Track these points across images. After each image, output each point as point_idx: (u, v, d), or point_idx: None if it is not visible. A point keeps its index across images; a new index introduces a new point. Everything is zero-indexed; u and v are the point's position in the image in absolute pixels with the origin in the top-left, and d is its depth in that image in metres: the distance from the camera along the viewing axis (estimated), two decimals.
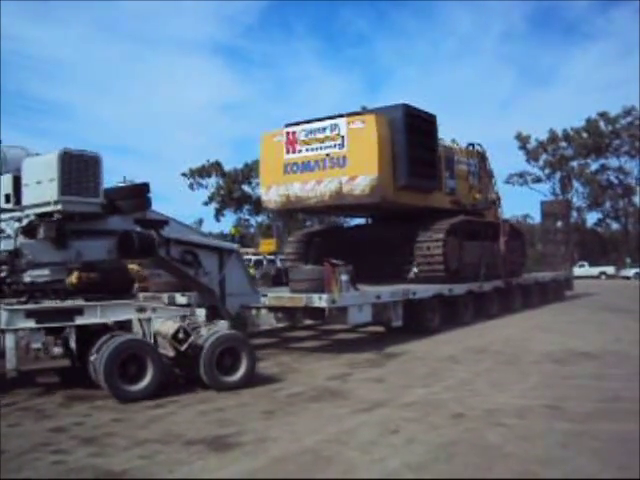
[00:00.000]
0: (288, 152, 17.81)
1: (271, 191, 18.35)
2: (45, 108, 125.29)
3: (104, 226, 10.94)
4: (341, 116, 17.17)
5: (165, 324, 10.02)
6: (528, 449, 6.58)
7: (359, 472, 6.04)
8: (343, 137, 16.74)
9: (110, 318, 10.03)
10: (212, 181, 75.57)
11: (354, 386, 10.15)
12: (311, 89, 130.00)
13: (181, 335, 9.70)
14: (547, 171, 71.92)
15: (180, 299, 14.43)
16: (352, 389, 9.90)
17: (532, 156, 71.49)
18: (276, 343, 15.65)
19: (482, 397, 9.11)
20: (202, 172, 75.37)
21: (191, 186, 76.04)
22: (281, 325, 15.90)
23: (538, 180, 72.02)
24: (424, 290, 16.88)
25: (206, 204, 76.59)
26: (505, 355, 12.90)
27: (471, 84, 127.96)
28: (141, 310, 10.19)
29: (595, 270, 58.69)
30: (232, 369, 10.04)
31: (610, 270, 59.32)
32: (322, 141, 17.11)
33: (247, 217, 75.00)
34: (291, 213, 21.41)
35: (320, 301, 13.33)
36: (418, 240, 18.41)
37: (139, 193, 11.50)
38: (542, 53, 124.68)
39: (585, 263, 58.89)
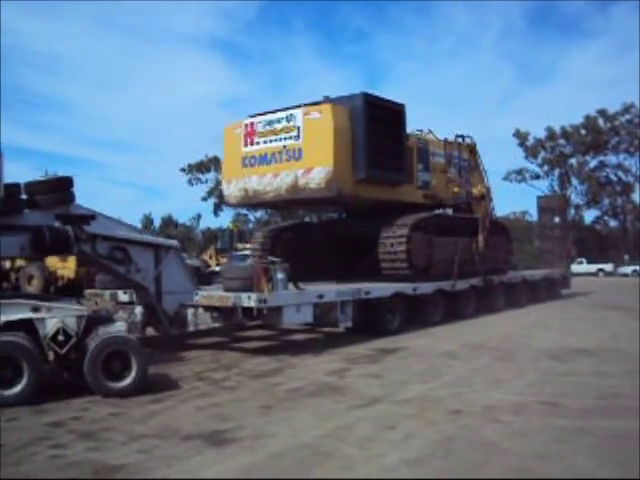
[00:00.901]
0: (246, 145, 17.10)
1: (231, 185, 17.67)
2: (44, 103, 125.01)
3: (20, 221, 10.54)
4: (299, 106, 16.39)
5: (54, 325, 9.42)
6: (525, 445, 6.60)
7: (357, 467, 6.05)
8: (299, 128, 15.98)
9: (2, 318, 9.28)
10: (211, 176, 75.43)
11: (352, 382, 10.16)
12: (310, 85, 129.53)
13: (61, 337, 9.24)
14: (546, 168, 71.90)
15: (122, 296, 14.23)
16: (350, 385, 9.91)
17: (531, 153, 71.44)
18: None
19: (480, 393, 9.13)
20: (201, 167, 75.21)
21: (190, 181, 75.95)
22: (217, 325, 14.75)
23: (537, 177, 72.03)
24: (381, 289, 16.04)
25: (205, 199, 76.51)
26: (503, 351, 12.92)
27: (470, 81, 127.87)
28: (35, 310, 9.49)
29: (593, 267, 58.71)
30: (122, 374, 9.39)
31: (608, 267, 59.34)
32: (279, 133, 16.37)
33: (245, 212, 74.81)
34: (255, 208, 20.36)
35: (249, 301, 12.72)
36: (381, 236, 17.50)
37: (61, 187, 11.11)
38: (541, 50, 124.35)
39: (583, 260, 58.87)
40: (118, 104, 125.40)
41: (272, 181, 16.41)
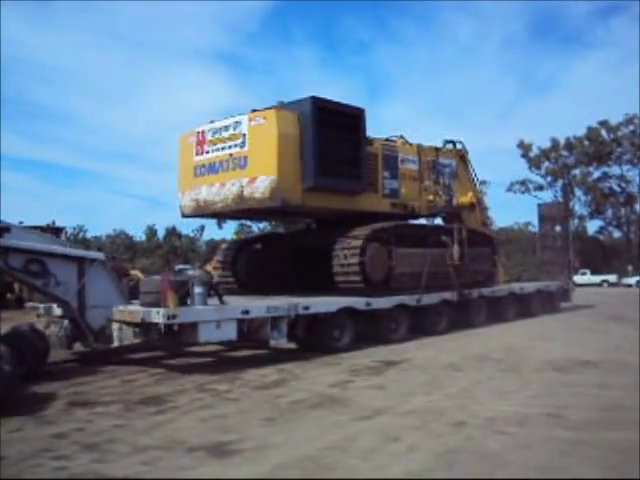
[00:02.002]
0: (197, 153, 16.47)
1: (185, 195, 16.94)
2: (47, 114, 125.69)
3: None
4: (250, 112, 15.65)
5: None
6: (529, 457, 6.59)
7: None
8: (244, 135, 15.23)
9: None
10: None
11: (355, 393, 10.14)
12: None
13: None
14: (549, 179, 71.98)
15: (56, 310, 13.89)
16: (353, 396, 9.90)
17: (534, 164, 71.54)
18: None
19: (483, 405, 9.11)
20: None
21: None
22: (137, 341, 13.82)
23: (540, 188, 72.02)
24: (326, 304, 14.94)
25: None
26: (506, 363, 12.90)
27: (472, 92, 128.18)
28: None
29: (597, 278, 58.61)
30: None
31: (612, 278, 59.20)
32: (226, 140, 15.66)
33: (249, 223, 74.89)
34: (207, 218, 18.97)
35: (157, 316, 12.01)
36: (335, 248, 16.31)
37: None
38: (542, 61, 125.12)
39: (587, 271, 58.79)
40: (122, 116, 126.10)
41: (220, 191, 15.82)
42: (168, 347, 14.92)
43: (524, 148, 71.11)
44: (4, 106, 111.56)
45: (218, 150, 15.83)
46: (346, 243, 16.19)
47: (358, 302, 15.67)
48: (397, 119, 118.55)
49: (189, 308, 12.49)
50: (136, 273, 22.11)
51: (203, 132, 16.31)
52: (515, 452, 6.77)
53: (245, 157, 15.18)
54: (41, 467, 6.56)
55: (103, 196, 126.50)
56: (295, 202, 15.31)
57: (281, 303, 14.06)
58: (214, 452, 6.97)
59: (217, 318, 12.68)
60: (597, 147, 67.03)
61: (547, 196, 71.31)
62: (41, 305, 14.49)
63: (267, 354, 14.66)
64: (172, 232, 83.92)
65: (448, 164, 21.11)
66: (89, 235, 79.17)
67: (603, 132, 67.42)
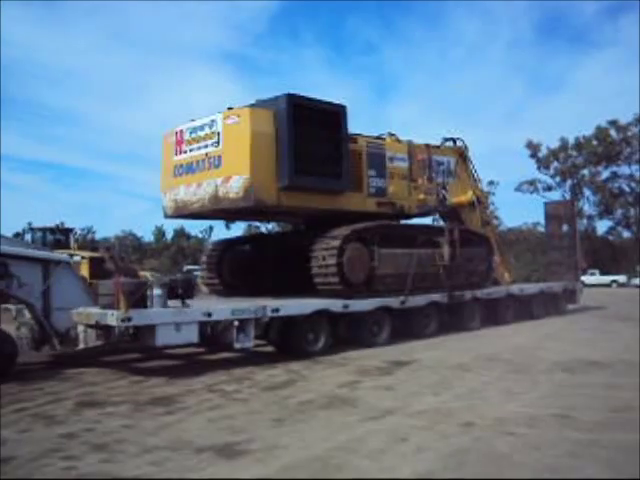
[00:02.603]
0: (176, 153, 16.24)
1: (166, 196, 16.70)
2: (55, 116, 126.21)
3: None
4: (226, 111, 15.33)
5: None
6: (538, 458, 6.56)
7: None
8: (219, 134, 15.02)
9: None
10: None
11: (364, 394, 10.13)
12: (320, 97, 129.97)
13: None
14: (558, 179, 71.76)
15: (27, 312, 13.65)
16: (362, 397, 9.89)
17: (543, 164, 71.35)
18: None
19: (492, 406, 9.09)
20: None
21: None
22: (99, 343, 13.44)
23: (549, 188, 71.78)
24: (299, 306, 14.61)
25: None
26: (515, 363, 12.86)
27: (480, 92, 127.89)
28: None
29: (606, 278, 58.40)
30: None
31: (621, 278, 58.97)
32: (203, 140, 15.44)
33: (257, 224, 74.95)
34: (187, 218, 18.16)
35: (111, 318, 11.78)
36: (313, 249, 15.94)
37: None
38: (550, 61, 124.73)
39: (596, 271, 58.59)
40: (130, 117, 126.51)
41: (196, 191, 15.60)
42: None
43: (533, 148, 70.92)
44: (14, 108, 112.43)
45: (195, 150, 15.67)
46: (324, 244, 15.87)
47: (335, 304, 15.25)
48: (405, 119, 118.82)
49: (144, 310, 12.18)
50: (145, 274, 22.18)
51: (182, 131, 16.12)
52: (524, 453, 6.75)
53: (219, 156, 15.02)
54: (50, 467, 6.57)
55: (111, 197, 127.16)
56: (270, 202, 15.03)
57: (248, 305, 13.73)
58: (223, 453, 6.97)
59: (176, 320, 12.38)
60: (606, 147, 66.80)
61: (556, 196, 71.02)
62: (13, 307, 14.40)
63: (275, 356, 14.65)
64: (180, 233, 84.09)
65: (445, 162, 20.75)
66: (98, 236, 79.37)
67: (612, 132, 67.21)
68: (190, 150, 15.77)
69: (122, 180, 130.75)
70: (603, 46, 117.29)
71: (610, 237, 73.61)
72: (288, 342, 14.70)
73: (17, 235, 53.33)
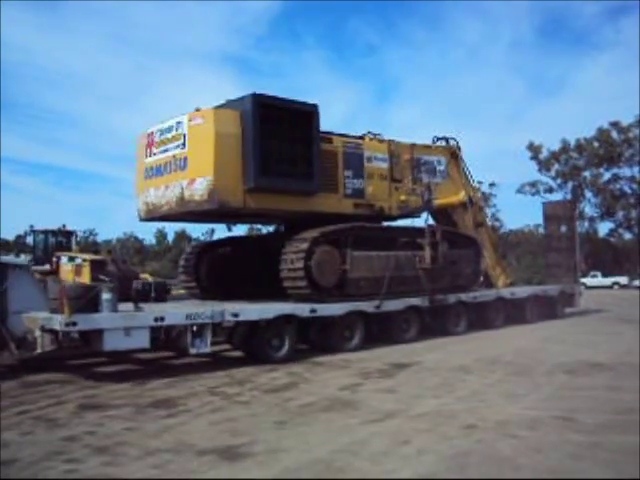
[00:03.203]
0: (147, 156, 15.91)
1: (139, 199, 16.38)
2: (57, 118, 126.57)
3: None
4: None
5: None
6: (541, 461, 6.55)
7: None
8: (184, 136, 14.75)
9: None
10: None
11: (365, 396, 10.13)
12: (321, 99, 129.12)
13: None
14: (559, 181, 71.71)
15: None
16: (363, 399, 9.89)
17: (544, 166, 71.32)
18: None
19: (494, 408, 9.08)
20: None
21: None
22: (53, 347, 13.07)
23: (550, 190, 71.71)
24: (261, 311, 14.21)
25: None
26: (517, 366, 12.86)
27: (481, 94, 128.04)
28: None
29: (608, 280, 58.34)
30: None
31: (623, 280, 58.92)
32: (170, 141, 15.14)
33: (259, 227, 74.98)
34: (159, 221, 17.49)
35: (56, 323, 11.61)
36: (283, 252, 15.59)
37: None
38: (551, 63, 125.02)
39: (598, 273, 58.57)
40: (131, 119, 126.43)
41: (165, 193, 15.26)
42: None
43: (534, 150, 70.89)
44: (15, 111, 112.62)
45: (164, 152, 15.38)
46: (293, 246, 15.52)
47: (301, 309, 14.92)
48: (406, 121, 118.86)
49: (90, 315, 11.96)
50: (146, 276, 22.20)
51: (152, 133, 15.83)
52: (527, 455, 6.74)
53: (185, 158, 14.75)
54: (52, 470, 6.58)
55: (113, 199, 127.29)
56: (235, 204, 14.72)
57: (204, 310, 13.45)
58: (225, 455, 6.97)
59: (126, 325, 12.15)
60: (607, 148, 66.75)
61: (557, 198, 71.18)
62: None
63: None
64: (182, 236, 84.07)
65: (435, 161, 20.31)
66: (100, 239, 79.44)
67: (614, 133, 67.16)
68: (159, 152, 15.53)
69: (124, 182, 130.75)
70: (604, 47, 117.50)
71: (612, 239, 73.59)
72: (252, 347, 14.42)
73: (19, 237, 53.31)
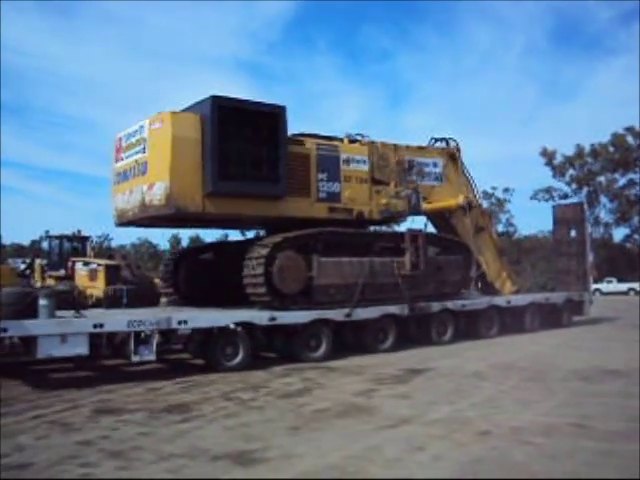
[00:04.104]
0: (116, 161, 15.83)
1: (112, 204, 16.11)
2: (72, 124, 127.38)
3: None
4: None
5: None
6: (556, 468, 6.53)
7: None
8: (145, 140, 14.54)
9: None
10: None
11: (380, 402, 10.12)
12: (334, 105, 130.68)
13: None
14: (574, 186, 71.35)
15: None
16: (378, 405, 9.88)
17: (558, 172, 70.98)
18: None
19: (508, 414, 9.05)
20: None
21: None
22: None
23: (565, 196, 71.25)
24: (213, 318, 14.11)
25: None
26: (531, 372, 12.80)
27: (494, 99, 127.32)
28: None
29: (623, 286, 57.87)
30: None
31: (639, 286, 58.50)
32: (134, 146, 14.97)
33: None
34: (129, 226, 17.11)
35: None
36: (246, 257, 15.14)
37: None
38: (565, 68, 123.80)
39: (613, 279, 58.17)
40: None
41: (129, 198, 15.04)
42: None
43: (547, 156, 70.53)
44: (31, 117, 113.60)
45: (129, 157, 15.21)
46: (255, 252, 15.04)
47: (259, 316, 14.54)
48: (418, 126, 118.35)
49: (21, 321, 11.69)
50: (158, 281, 22.23)
51: (120, 138, 15.70)
52: (541, 463, 6.71)
53: (145, 162, 14.53)
54: (68, 473, 6.62)
55: None
56: (194, 209, 14.35)
57: (148, 317, 13.19)
58: (239, 460, 6.98)
59: (61, 332, 11.82)
60: (623, 153, 66.35)
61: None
62: None
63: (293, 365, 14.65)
64: (196, 241, 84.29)
65: (430, 164, 19.61)
66: (114, 244, 79.76)
67: (629, 138, 66.74)
68: (126, 157, 15.36)
69: None
70: (618, 52, 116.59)
71: (627, 244, 73.09)
72: (206, 355, 14.13)
73: (34, 243, 53.64)
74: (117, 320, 12.95)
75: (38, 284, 23.99)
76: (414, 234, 17.81)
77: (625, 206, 68.08)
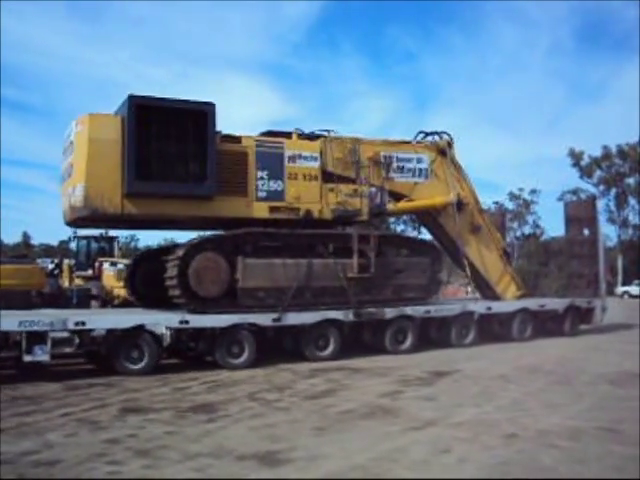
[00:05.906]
0: (61, 162, 15.72)
1: None
2: None
3: None
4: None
5: None
6: (583, 472, 6.47)
7: None
8: (72, 142, 14.49)
9: None
10: None
11: (405, 404, 10.10)
12: (358, 106, 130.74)
13: None
14: (601, 188, 70.64)
15: None
16: (403, 407, 9.86)
17: (586, 173, 70.30)
18: None
19: (535, 417, 8.99)
20: None
21: None
22: None
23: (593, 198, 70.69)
24: (113, 320, 13.76)
25: None
26: (557, 375, 12.70)
27: (520, 100, 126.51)
28: None
29: None
30: None
31: None
32: (68, 148, 14.92)
33: None
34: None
35: None
36: (166, 259, 14.84)
37: None
38: (591, 68, 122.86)
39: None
40: None
41: (64, 200, 15.03)
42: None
43: (575, 157, 69.89)
44: (57, 119, 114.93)
45: (65, 158, 15.23)
46: (173, 254, 14.64)
47: (168, 319, 14.00)
48: (444, 128, 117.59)
49: None
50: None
51: (65, 140, 15.44)
52: (568, 466, 6.66)
53: (71, 165, 14.53)
54: (95, 471, 6.69)
55: None
56: (112, 210, 14.03)
57: (43, 317, 12.84)
58: (264, 461, 7.00)
59: None
60: None
61: (600, 205, 69.93)
62: None
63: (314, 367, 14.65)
64: None
65: (413, 159, 18.29)
66: (141, 244, 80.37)
67: None
68: (64, 159, 15.39)
69: None
70: None
71: None
72: (107, 359, 13.61)
73: (62, 243, 54.21)
74: (8, 320, 12.51)
75: (66, 284, 24.27)
76: (363, 234, 16.67)
77: None
